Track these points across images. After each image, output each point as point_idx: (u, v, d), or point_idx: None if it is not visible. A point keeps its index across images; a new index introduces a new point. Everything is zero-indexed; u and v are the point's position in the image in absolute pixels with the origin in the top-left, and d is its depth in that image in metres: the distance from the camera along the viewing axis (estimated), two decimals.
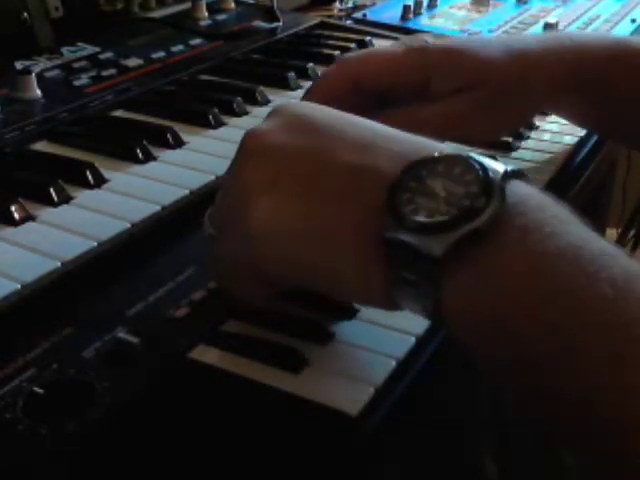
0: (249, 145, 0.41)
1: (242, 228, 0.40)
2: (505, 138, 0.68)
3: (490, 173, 0.34)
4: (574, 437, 0.32)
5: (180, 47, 0.83)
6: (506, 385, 0.36)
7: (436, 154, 0.36)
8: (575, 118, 0.66)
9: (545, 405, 0.33)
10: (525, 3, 1.14)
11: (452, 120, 0.57)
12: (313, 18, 0.99)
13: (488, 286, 0.33)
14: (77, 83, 0.72)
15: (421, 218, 0.34)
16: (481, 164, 0.35)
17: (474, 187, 0.34)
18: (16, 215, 0.52)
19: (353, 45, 0.88)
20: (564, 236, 0.33)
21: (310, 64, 0.82)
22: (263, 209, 0.39)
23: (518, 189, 0.35)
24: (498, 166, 0.35)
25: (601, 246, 0.33)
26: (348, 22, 1.03)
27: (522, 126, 0.69)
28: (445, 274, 0.34)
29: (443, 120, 0.57)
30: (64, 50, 0.78)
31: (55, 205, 0.54)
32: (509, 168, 0.35)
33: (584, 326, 0.31)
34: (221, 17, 0.93)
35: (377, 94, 0.57)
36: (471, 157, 0.35)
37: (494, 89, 0.58)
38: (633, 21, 1.07)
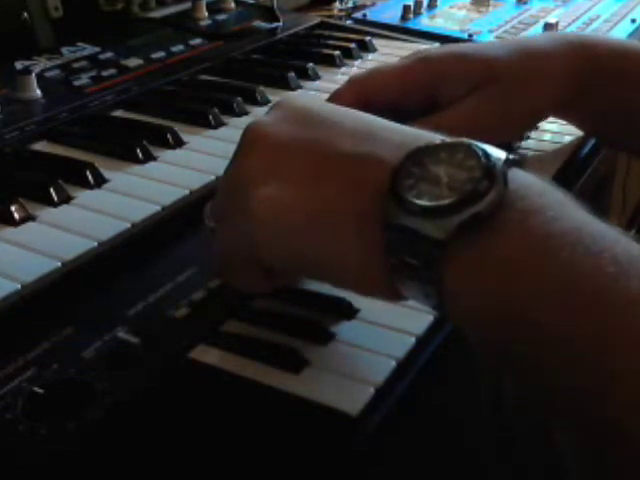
0: (250, 136, 0.42)
1: (243, 217, 0.40)
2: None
3: (492, 159, 0.35)
4: (574, 434, 0.32)
5: (180, 47, 0.83)
6: (506, 382, 0.36)
7: (438, 141, 0.37)
8: (580, 119, 0.66)
9: (544, 396, 0.33)
10: (525, 3, 1.14)
11: (464, 123, 0.57)
12: (313, 18, 0.99)
13: (491, 268, 0.33)
14: (77, 83, 0.72)
15: (424, 202, 0.34)
16: (483, 150, 0.35)
17: (477, 172, 0.34)
18: (16, 215, 0.52)
19: (353, 45, 0.88)
20: (566, 219, 0.33)
21: (310, 64, 0.82)
22: (263, 198, 0.39)
23: (519, 175, 0.35)
24: (500, 153, 0.35)
25: (602, 228, 0.33)
26: (348, 22, 1.03)
27: (535, 123, 0.68)
28: (448, 258, 0.34)
29: (455, 124, 0.57)
30: (64, 50, 0.78)
31: (55, 205, 0.54)
32: (510, 155, 0.36)
33: (587, 304, 0.31)
34: (221, 17, 0.93)
35: (388, 109, 0.57)
36: (473, 144, 0.36)
37: (502, 86, 0.58)
38: (633, 21, 1.07)
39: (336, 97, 0.58)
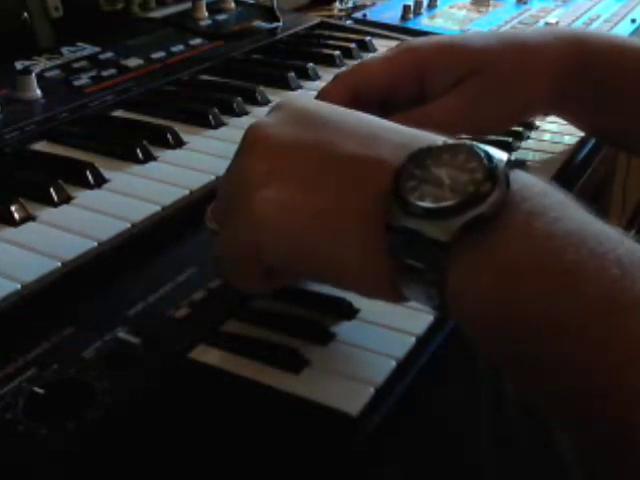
0: (251, 137, 0.42)
1: (244, 218, 0.40)
2: (505, 138, 0.67)
3: (494, 160, 0.35)
4: (574, 434, 0.32)
5: (180, 47, 0.83)
6: (506, 382, 0.36)
7: (439, 142, 0.37)
8: (575, 116, 0.65)
9: (544, 396, 0.33)
10: (525, 3, 1.14)
11: (452, 115, 0.57)
12: (313, 18, 0.99)
13: (494, 269, 0.33)
14: (77, 83, 0.72)
15: (427, 204, 0.34)
16: (485, 152, 0.35)
17: (479, 174, 0.34)
18: (16, 215, 0.52)
19: (353, 45, 0.88)
20: (569, 220, 0.33)
21: (310, 64, 0.82)
22: (265, 199, 0.39)
23: (521, 176, 0.35)
24: (501, 154, 0.35)
25: (605, 229, 0.33)
26: (348, 22, 1.03)
27: (523, 118, 0.67)
28: (451, 260, 0.34)
29: (443, 116, 0.56)
30: (64, 50, 0.78)
31: (55, 205, 0.54)
32: (512, 157, 0.36)
33: (591, 306, 0.31)
34: (221, 17, 0.93)
35: (376, 103, 0.57)
36: (475, 145, 0.36)
37: (490, 79, 0.57)
38: (633, 21, 1.07)
39: (324, 95, 0.57)
